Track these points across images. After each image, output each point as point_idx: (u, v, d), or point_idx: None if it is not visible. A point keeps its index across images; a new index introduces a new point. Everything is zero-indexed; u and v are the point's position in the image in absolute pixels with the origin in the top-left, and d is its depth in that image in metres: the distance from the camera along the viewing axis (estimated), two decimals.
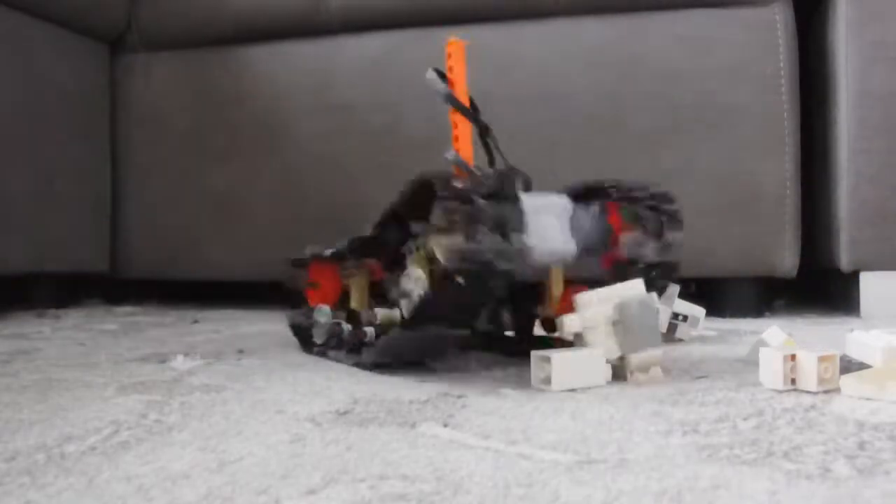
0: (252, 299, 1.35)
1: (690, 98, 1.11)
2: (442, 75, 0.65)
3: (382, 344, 0.63)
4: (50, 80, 1.22)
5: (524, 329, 0.71)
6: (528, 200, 0.60)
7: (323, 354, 0.73)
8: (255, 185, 1.27)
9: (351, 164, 1.22)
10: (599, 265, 0.66)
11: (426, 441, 0.42)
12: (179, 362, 0.70)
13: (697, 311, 0.84)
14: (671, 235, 0.63)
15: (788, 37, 1.09)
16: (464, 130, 0.65)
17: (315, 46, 1.26)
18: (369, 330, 0.66)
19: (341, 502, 0.32)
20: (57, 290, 1.29)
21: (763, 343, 0.65)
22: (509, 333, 0.73)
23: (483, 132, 0.67)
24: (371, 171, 1.20)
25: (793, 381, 0.54)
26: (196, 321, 1.09)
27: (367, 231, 0.69)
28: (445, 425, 0.45)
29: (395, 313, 0.64)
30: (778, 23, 1.09)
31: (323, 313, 0.73)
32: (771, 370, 0.55)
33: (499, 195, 0.58)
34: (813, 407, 0.49)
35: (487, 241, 0.54)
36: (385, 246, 0.67)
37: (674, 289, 0.83)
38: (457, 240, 0.54)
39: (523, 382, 0.59)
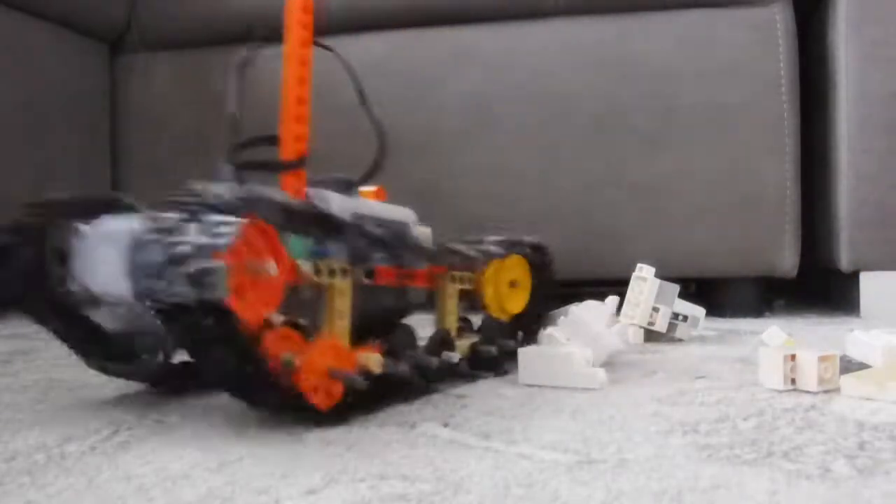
0: None
1: (690, 98, 1.11)
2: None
3: None
4: (50, 80, 1.22)
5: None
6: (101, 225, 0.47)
7: None
8: None
9: (346, 169, 1.22)
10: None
11: (426, 441, 0.42)
12: None
13: (697, 311, 0.84)
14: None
15: (788, 37, 1.09)
16: None
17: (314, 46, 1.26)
18: None
19: (341, 502, 0.32)
20: None
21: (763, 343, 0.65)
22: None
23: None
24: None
25: (793, 381, 0.54)
26: None
27: None
28: (445, 425, 0.45)
29: None
30: (778, 23, 1.09)
31: None
32: (771, 370, 0.55)
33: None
34: (813, 407, 0.49)
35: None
36: None
37: (674, 288, 0.83)
38: None
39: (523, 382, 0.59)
